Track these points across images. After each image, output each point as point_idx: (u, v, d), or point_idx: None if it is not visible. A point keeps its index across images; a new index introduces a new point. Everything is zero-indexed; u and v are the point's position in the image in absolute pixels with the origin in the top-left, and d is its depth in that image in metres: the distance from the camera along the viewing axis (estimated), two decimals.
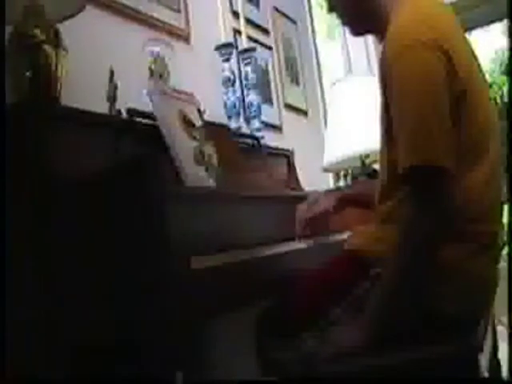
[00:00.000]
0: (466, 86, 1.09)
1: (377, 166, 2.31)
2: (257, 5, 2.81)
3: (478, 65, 1.22)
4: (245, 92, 2.41)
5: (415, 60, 1.06)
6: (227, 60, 2.24)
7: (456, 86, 1.08)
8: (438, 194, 1.07)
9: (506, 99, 5.85)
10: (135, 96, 1.54)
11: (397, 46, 1.09)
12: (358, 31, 1.32)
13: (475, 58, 1.22)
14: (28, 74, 1.28)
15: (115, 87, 1.51)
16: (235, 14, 2.46)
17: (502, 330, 1.84)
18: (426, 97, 1.06)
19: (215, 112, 2.01)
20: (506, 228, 1.29)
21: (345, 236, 1.41)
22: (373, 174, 2.43)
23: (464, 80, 1.09)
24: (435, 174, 1.05)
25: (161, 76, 1.75)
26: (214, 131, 1.68)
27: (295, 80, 3.12)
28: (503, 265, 1.32)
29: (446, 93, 1.06)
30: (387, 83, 1.12)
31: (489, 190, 1.15)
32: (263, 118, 2.42)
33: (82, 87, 1.53)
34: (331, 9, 1.30)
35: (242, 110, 2.31)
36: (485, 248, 1.14)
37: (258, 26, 2.78)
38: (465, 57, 1.12)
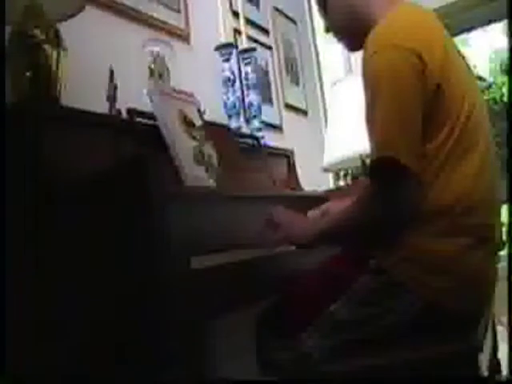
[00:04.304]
0: (442, 85, 1.13)
1: None
2: (257, 5, 2.80)
3: (467, 65, 1.28)
4: (245, 92, 2.40)
5: (384, 60, 1.11)
6: (227, 60, 2.24)
7: (431, 85, 1.11)
8: (396, 190, 1.12)
9: (506, 99, 5.85)
10: (135, 96, 1.54)
11: (370, 47, 1.15)
12: (352, 47, 1.37)
13: (463, 58, 1.27)
14: (28, 74, 1.28)
15: (115, 87, 1.50)
16: (235, 14, 2.46)
17: (501, 330, 1.84)
18: (393, 96, 1.10)
19: (215, 112, 2.01)
20: (506, 228, 1.30)
21: None
22: None
23: (439, 79, 1.12)
24: (395, 171, 1.09)
25: (161, 76, 1.75)
26: (214, 131, 1.68)
27: (295, 80, 3.12)
28: (503, 265, 1.32)
29: (415, 92, 1.10)
30: (363, 83, 1.17)
31: (480, 182, 1.16)
32: (263, 117, 2.42)
33: (82, 87, 1.53)
34: (327, 29, 1.38)
35: (242, 110, 2.30)
36: (480, 241, 1.15)
37: (258, 26, 2.78)
38: (441, 58, 1.15)
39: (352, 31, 1.32)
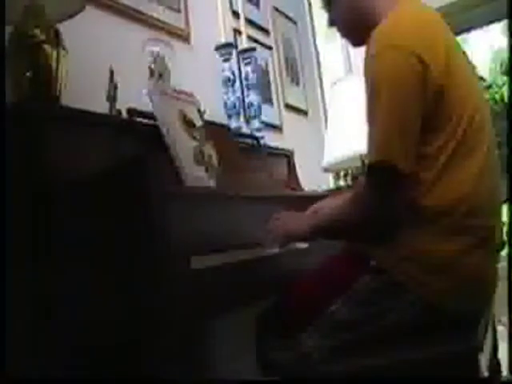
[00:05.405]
0: (444, 86, 1.13)
1: None
2: (257, 5, 2.80)
3: (472, 66, 1.29)
4: (245, 92, 2.40)
5: (384, 61, 1.12)
6: (227, 60, 2.24)
7: (432, 85, 1.11)
8: (391, 190, 1.14)
9: (506, 99, 5.85)
10: (135, 96, 1.54)
11: (371, 47, 1.16)
12: (356, 43, 1.37)
13: (466, 58, 1.27)
14: (28, 74, 1.28)
15: (115, 87, 1.50)
16: (235, 14, 2.46)
17: (501, 330, 1.84)
18: (391, 98, 1.11)
19: (215, 112, 2.01)
20: (506, 228, 1.30)
21: None
22: None
23: (442, 80, 1.13)
24: (391, 173, 1.11)
25: (161, 76, 1.75)
26: (214, 131, 1.68)
27: (295, 80, 3.12)
28: (503, 265, 1.32)
29: (415, 94, 1.11)
30: (364, 82, 1.17)
31: (482, 184, 1.17)
32: (263, 117, 2.42)
33: (82, 87, 1.53)
34: (331, 23, 1.38)
35: (242, 110, 2.30)
36: (481, 242, 1.15)
37: (257, 26, 2.78)
38: (443, 59, 1.15)
39: (356, 28, 1.32)
